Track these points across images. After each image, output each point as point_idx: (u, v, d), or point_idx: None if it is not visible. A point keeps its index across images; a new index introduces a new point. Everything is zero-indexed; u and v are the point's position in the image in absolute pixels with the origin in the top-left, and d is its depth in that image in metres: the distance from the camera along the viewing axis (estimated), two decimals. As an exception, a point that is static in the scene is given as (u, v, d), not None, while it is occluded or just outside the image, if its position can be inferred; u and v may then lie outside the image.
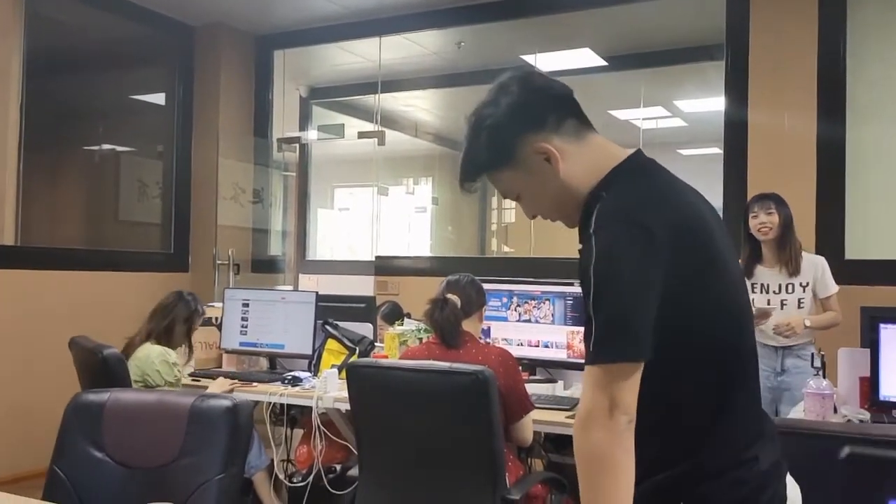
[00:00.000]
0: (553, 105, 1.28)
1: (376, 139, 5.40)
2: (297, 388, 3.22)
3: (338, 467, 3.13)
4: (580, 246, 1.24)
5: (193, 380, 3.48)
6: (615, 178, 1.24)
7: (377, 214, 7.26)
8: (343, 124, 6.31)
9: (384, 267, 5.21)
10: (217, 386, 3.25)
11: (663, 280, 1.13)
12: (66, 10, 5.01)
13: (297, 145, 5.94)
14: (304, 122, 6.46)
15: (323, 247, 6.77)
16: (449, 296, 2.72)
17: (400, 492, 2.48)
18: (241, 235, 5.75)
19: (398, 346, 3.41)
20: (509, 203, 7.10)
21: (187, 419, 1.94)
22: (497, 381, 2.31)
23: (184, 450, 1.93)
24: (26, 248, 4.67)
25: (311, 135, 6.44)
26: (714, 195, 4.48)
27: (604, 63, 5.60)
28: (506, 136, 1.27)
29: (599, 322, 1.12)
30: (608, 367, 1.11)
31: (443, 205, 8.08)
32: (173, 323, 3.33)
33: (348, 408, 2.62)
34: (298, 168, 6.00)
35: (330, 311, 3.71)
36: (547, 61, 5.51)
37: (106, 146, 5.59)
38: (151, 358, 3.16)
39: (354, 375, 2.48)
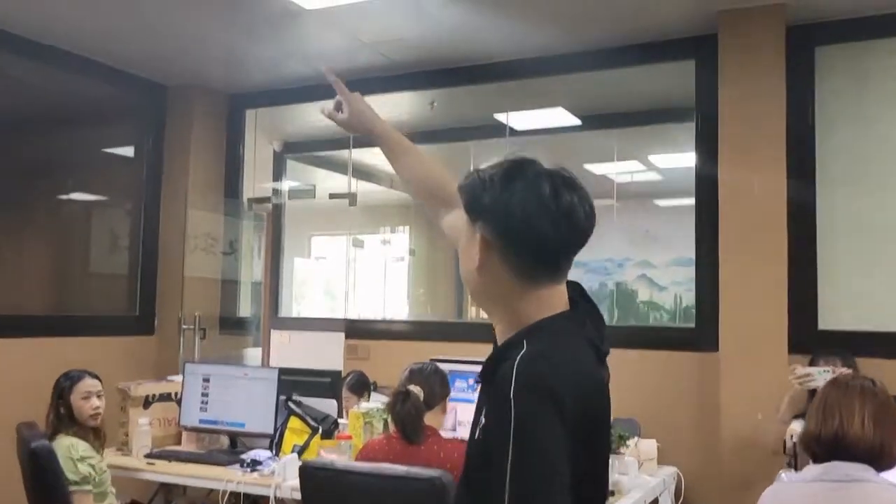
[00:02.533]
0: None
1: (348, 199, 5.34)
2: (255, 475, 3.11)
3: (296, 561, 3.01)
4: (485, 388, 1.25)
5: (148, 462, 3.35)
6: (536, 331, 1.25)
7: (352, 267, 7.18)
8: (314, 186, 6.27)
9: (355, 329, 5.11)
10: None
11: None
12: (33, 72, 4.90)
13: (270, 204, 5.88)
14: (279, 175, 6.40)
15: (300, 296, 6.67)
16: (411, 387, 2.64)
17: None
18: (209, 290, 5.59)
19: (363, 425, 3.33)
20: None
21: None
22: (455, 484, 2.23)
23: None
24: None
25: (285, 186, 6.38)
26: (688, 247, 4.45)
27: (577, 122, 5.60)
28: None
29: (518, 494, 1.09)
30: None
31: (419, 257, 8.01)
32: (49, 410, 3.14)
33: None
34: (270, 225, 5.91)
35: (294, 385, 3.62)
36: (520, 120, 5.49)
37: (76, 197, 5.49)
38: (59, 454, 2.92)
39: (308, 477, 2.39)
